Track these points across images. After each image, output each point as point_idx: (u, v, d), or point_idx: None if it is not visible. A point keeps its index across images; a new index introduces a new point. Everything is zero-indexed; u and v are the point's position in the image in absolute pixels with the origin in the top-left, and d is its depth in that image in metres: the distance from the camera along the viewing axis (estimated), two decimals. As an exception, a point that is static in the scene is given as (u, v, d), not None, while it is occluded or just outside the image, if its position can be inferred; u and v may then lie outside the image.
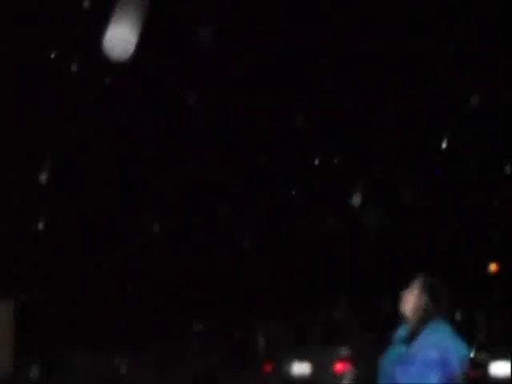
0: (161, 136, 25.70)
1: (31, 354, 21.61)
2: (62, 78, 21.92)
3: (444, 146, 22.52)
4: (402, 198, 24.24)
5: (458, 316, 15.27)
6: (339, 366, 16.56)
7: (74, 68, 19.99)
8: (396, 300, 4.58)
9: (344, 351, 16.60)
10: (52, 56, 20.10)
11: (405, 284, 4.60)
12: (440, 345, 4.31)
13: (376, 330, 15.76)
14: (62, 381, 20.11)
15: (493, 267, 27.98)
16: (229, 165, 25.78)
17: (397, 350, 4.49)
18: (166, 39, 23.05)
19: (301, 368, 17.06)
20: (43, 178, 21.13)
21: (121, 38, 15.81)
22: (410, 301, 4.50)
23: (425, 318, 4.45)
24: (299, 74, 24.80)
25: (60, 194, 24.29)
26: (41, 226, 22.12)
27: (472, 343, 15.03)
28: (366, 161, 26.26)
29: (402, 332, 4.54)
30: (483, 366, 17.38)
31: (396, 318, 4.65)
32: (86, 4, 18.08)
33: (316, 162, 25.37)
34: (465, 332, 5.03)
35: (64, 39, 20.64)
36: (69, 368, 21.00)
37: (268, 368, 17.87)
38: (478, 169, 25.96)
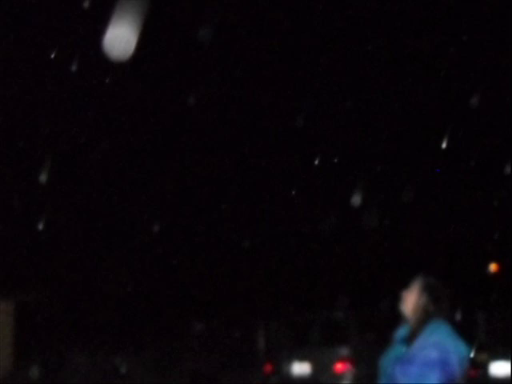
0: (161, 136, 25.71)
1: (31, 354, 21.61)
2: (62, 77, 21.94)
3: (444, 145, 22.51)
4: (402, 198, 24.24)
5: (458, 316, 15.24)
6: (339, 366, 16.52)
7: (74, 68, 19.99)
8: (396, 300, 4.58)
9: (344, 351, 16.57)
10: (52, 56, 20.09)
11: (405, 284, 4.59)
12: (440, 345, 4.31)
13: (376, 330, 15.76)
14: (62, 381, 20.10)
15: (493, 267, 28.00)
16: (229, 165, 25.79)
17: (397, 350, 4.49)
18: (165, 39, 23.07)
19: (301, 368, 17.02)
20: (43, 178, 21.11)
21: (121, 37, 15.79)
22: (410, 301, 4.50)
23: (425, 318, 4.44)
24: (299, 73, 24.82)
25: (60, 193, 24.30)
26: (41, 225, 22.10)
27: (472, 343, 15.01)
28: (366, 161, 26.28)
29: (402, 332, 4.53)
30: (483, 366, 17.38)
31: (396, 317, 4.65)
32: (86, 4, 18.07)
33: (316, 161, 25.37)
34: (465, 332, 5.02)
35: (64, 39, 20.65)
36: (69, 368, 20.99)
37: (268, 368, 17.84)
38: (478, 169, 25.97)
